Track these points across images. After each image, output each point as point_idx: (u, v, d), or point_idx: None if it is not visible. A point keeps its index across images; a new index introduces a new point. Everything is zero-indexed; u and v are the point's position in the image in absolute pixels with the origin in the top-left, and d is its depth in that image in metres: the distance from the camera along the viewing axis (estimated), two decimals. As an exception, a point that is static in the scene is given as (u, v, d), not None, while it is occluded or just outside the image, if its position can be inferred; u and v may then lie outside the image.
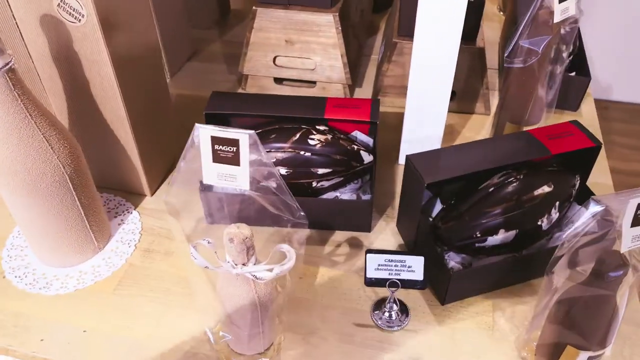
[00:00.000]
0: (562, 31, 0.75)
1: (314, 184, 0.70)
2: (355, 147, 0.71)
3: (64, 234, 0.66)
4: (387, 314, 0.63)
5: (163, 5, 0.93)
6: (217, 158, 0.46)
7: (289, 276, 0.58)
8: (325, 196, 0.72)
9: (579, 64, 0.93)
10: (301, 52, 0.91)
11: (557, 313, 0.54)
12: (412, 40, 0.70)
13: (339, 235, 0.72)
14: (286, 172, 0.69)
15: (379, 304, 0.64)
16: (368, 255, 0.60)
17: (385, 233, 0.73)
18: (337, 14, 0.87)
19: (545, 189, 0.64)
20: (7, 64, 0.55)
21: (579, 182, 0.67)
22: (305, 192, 0.71)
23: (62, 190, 0.63)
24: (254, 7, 0.89)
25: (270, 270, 0.52)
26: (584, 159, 0.68)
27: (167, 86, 0.80)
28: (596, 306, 0.51)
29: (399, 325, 0.63)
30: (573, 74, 0.92)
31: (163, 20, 0.93)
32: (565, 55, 0.88)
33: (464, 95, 0.90)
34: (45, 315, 0.64)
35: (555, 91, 0.80)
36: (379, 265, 0.61)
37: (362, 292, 0.66)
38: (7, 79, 0.55)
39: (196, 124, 0.46)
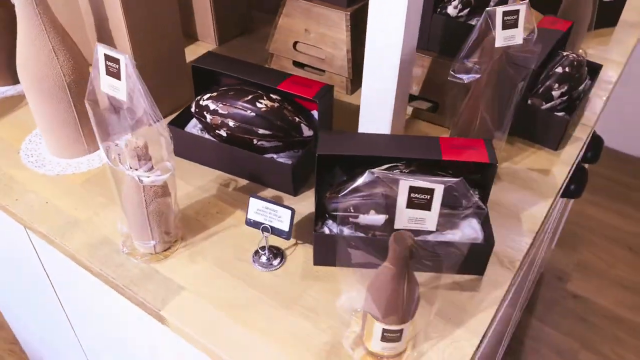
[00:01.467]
0: (518, 60, 0.79)
1: (255, 141, 0.82)
2: (297, 119, 0.82)
3: (60, 131, 0.86)
4: (262, 257, 0.74)
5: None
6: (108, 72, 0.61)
7: (174, 198, 0.72)
8: (264, 156, 0.84)
9: (573, 105, 0.94)
10: (316, 42, 1.03)
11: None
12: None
13: (268, 192, 0.84)
14: (233, 124, 0.82)
15: (262, 248, 0.75)
16: (251, 199, 0.72)
17: (309, 200, 0.83)
18: (350, 13, 0.98)
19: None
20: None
21: (469, 192, 0.72)
22: (248, 147, 0.83)
23: (60, 94, 0.82)
24: (286, -4, 1.03)
25: (148, 177, 0.67)
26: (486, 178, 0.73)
27: (182, 40, 0.96)
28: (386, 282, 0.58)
29: (266, 268, 0.73)
30: (562, 113, 0.93)
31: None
32: (556, 93, 0.91)
33: (445, 109, 0.96)
34: (24, 182, 0.84)
35: (508, 118, 0.84)
36: (257, 209, 0.72)
37: (260, 235, 0.76)
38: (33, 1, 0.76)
39: (97, 44, 0.61)
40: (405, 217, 0.63)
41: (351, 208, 0.71)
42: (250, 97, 0.82)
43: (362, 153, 0.71)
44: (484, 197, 0.73)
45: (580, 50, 1.15)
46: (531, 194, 0.85)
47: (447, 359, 0.64)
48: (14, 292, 1.24)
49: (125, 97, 0.61)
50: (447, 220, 0.72)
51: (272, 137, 0.82)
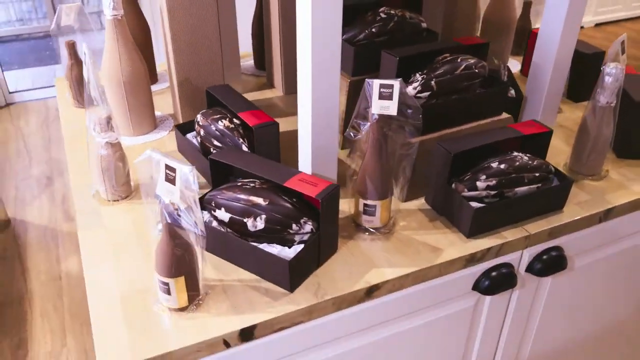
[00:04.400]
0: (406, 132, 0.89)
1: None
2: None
3: (118, 117, 1.23)
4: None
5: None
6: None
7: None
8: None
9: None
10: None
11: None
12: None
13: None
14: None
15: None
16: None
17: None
18: (350, 81, 1.16)
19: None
20: (122, 16, 1.14)
21: (302, 219, 0.84)
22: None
23: (117, 87, 1.19)
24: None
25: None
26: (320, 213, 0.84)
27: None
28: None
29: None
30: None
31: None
32: (481, 185, 0.97)
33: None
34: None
35: (400, 179, 0.92)
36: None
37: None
38: (113, 22, 1.14)
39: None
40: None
41: (213, 203, 0.90)
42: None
43: (235, 164, 0.90)
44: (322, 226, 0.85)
45: (605, 170, 1.11)
46: (402, 259, 0.91)
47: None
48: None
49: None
50: (280, 238, 0.86)
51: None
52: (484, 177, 0.95)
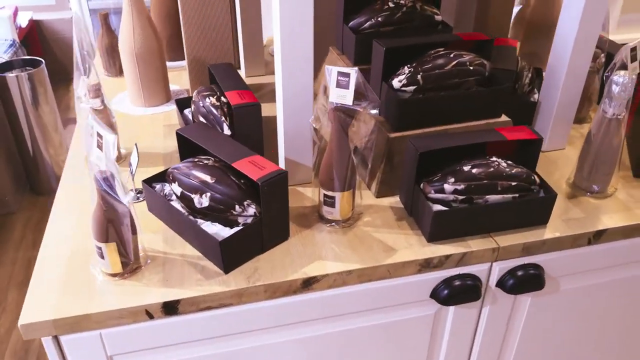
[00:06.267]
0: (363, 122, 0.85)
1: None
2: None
3: (131, 87, 1.27)
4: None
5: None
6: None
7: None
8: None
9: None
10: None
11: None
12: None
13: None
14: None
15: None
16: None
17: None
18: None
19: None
20: (135, -10, 1.19)
21: (245, 202, 0.84)
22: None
23: (130, 59, 1.23)
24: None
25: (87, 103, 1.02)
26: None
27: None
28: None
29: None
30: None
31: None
32: (448, 187, 0.92)
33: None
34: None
35: (344, 176, 0.89)
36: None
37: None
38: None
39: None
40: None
41: (170, 176, 0.91)
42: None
43: (199, 142, 0.91)
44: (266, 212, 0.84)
45: (612, 188, 1.02)
46: (352, 255, 0.88)
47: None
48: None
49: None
50: (224, 218, 0.86)
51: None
52: (452, 180, 0.89)
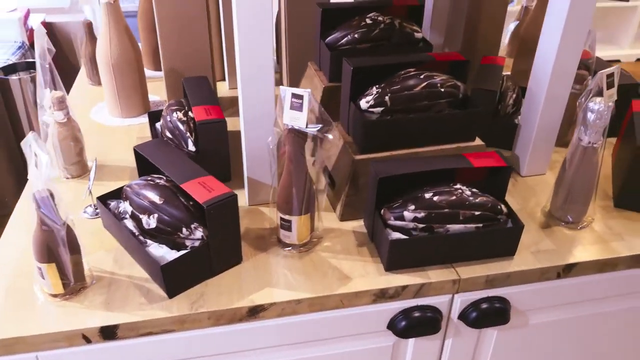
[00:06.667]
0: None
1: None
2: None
3: (108, 98, 1.26)
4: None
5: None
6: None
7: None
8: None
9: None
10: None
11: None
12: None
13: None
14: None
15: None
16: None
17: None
18: (325, 87, 1.10)
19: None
20: (115, 0, 1.17)
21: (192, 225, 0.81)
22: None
23: (107, 69, 1.22)
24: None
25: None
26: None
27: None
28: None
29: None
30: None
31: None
32: (408, 215, 0.89)
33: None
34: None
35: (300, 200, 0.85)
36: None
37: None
38: (107, 7, 1.17)
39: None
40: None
41: (124, 195, 0.89)
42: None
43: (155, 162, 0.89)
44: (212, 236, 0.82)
45: (589, 218, 0.97)
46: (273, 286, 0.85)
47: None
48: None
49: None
50: (172, 240, 0.84)
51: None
52: (412, 207, 0.86)
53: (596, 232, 0.96)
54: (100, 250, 0.90)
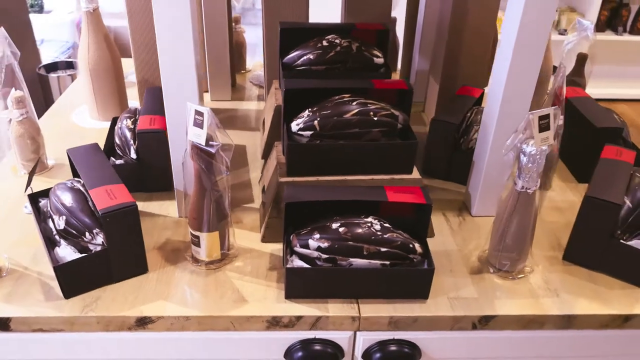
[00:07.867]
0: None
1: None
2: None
3: (86, 100, 1.31)
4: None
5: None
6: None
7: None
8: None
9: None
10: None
11: None
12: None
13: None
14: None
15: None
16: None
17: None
18: (276, 105, 1.09)
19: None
20: (95, 9, 1.22)
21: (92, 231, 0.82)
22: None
23: (85, 74, 1.27)
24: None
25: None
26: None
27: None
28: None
29: (22, 208, 1.01)
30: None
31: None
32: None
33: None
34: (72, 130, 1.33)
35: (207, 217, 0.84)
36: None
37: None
38: (88, 14, 1.22)
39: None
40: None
41: (50, 194, 0.92)
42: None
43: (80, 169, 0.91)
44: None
45: (527, 269, 0.90)
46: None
47: None
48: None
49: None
50: (79, 243, 0.85)
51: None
52: (317, 236, 0.83)
53: (530, 284, 0.89)
54: (24, 245, 0.92)
